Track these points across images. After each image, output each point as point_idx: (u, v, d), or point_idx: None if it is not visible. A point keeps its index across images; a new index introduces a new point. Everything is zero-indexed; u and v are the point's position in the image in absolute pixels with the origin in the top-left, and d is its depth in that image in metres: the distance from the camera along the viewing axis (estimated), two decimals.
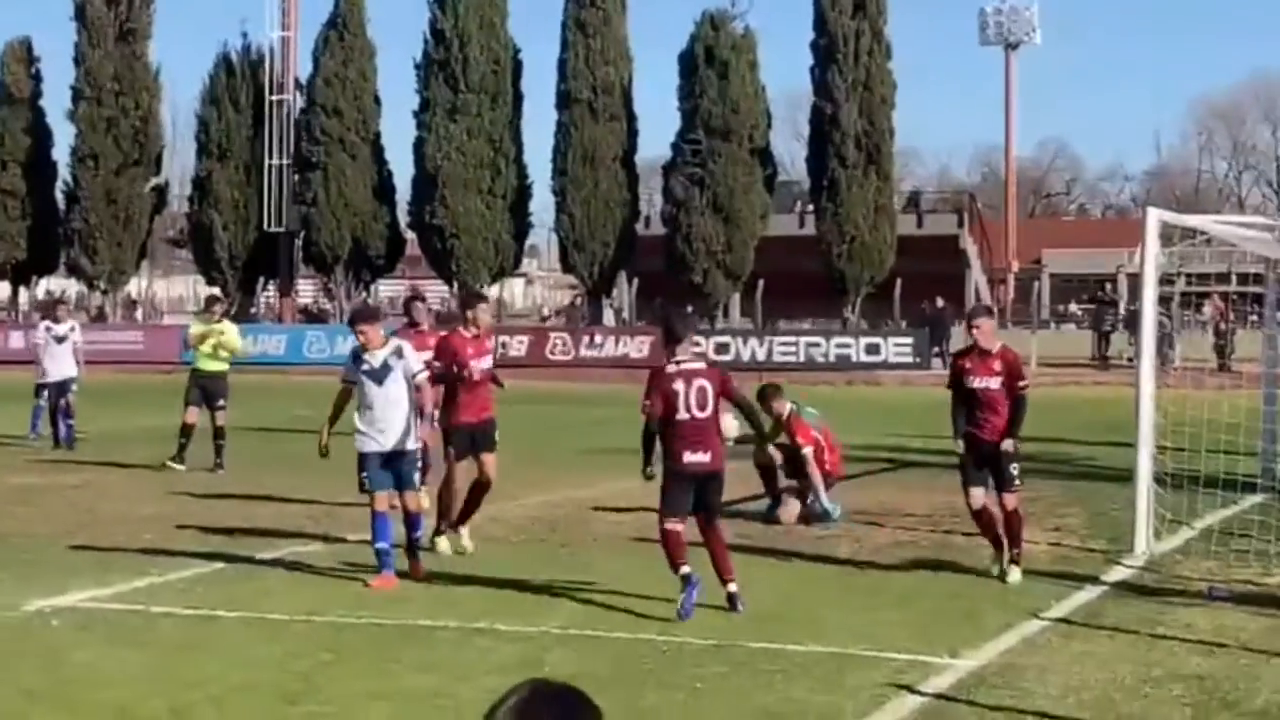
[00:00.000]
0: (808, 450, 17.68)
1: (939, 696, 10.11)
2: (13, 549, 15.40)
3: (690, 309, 36.45)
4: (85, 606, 12.90)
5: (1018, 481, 14.08)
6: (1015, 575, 14.01)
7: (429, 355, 15.07)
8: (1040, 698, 10.06)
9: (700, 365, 12.77)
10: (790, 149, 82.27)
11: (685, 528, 12.54)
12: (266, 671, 10.66)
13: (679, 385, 12.48)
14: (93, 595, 13.32)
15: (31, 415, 26.16)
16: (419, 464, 14.50)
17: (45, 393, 25.70)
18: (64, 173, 60.28)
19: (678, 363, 12.59)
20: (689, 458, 12.44)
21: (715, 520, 12.71)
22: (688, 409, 12.44)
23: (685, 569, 12.30)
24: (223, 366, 22.95)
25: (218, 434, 22.48)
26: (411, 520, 14.07)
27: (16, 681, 10.39)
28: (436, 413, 15.02)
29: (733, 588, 12.49)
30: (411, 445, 13.99)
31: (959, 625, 12.22)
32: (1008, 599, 13.32)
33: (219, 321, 23.35)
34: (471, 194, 56.00)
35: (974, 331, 14.21)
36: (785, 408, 18.03)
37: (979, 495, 14.12)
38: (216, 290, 44.75)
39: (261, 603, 12.95)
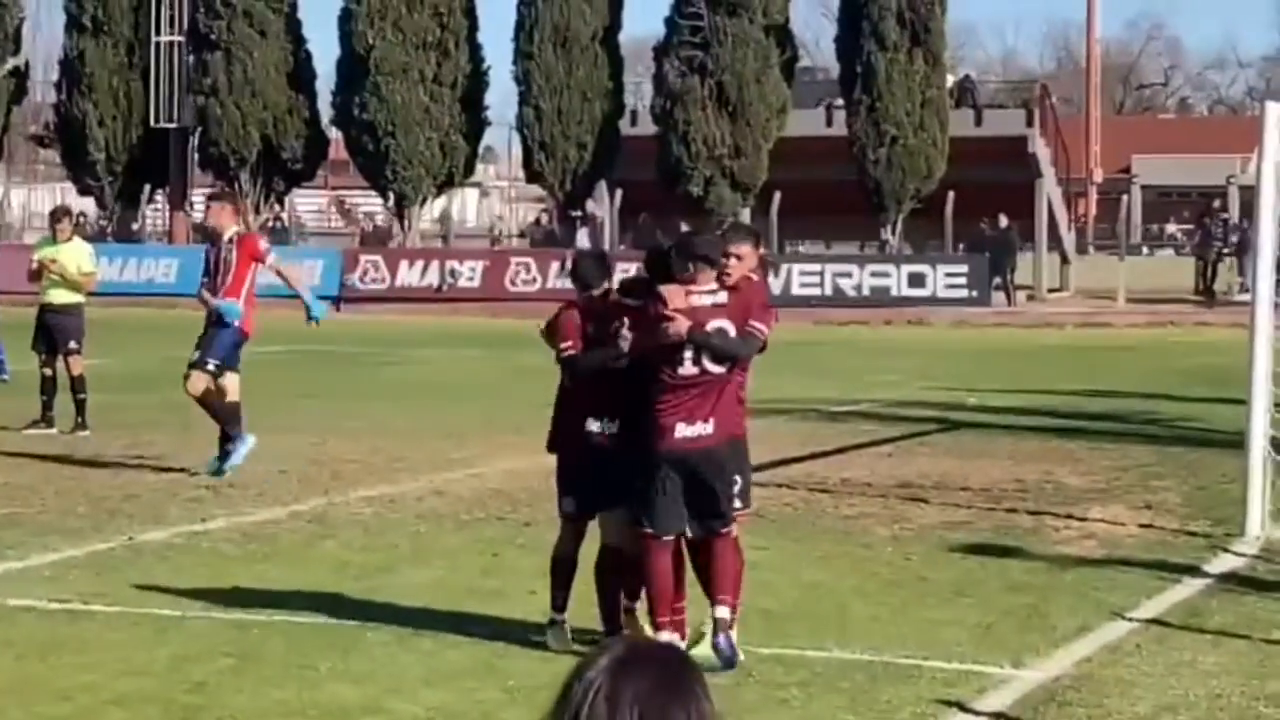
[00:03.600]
0: None
1: (999, 716, 10.13)
2: None
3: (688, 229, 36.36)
4: None
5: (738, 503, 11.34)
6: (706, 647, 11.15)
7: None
8: (1127, 718, 10.07)
9: (720, 298, 10.91)
10: (816, 27, 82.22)
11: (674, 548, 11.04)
12: (152, 679, 10.66)
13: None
14: None
15: None
16: None
17: None
18: None
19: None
20: (683, 431, 10.81)
21: (716, 531, 11.02)
22: (696, 359, 10.83)
23: (666, 631, 10.81)
24: (74, 298, 22.17)
25: (74, 385, 21.92)
26: None
27: None
28: None
29: (723, 612, 10.91)
30: None
31: (1024, 627, 12.25)
32: (1086, 595, 13.34)
33: (68, 240, 22.61)
34: (412, 82, 55.79)
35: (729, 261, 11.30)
36: None
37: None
38: (71, 202, 44.24)
39: (146, 595, 12.94)
